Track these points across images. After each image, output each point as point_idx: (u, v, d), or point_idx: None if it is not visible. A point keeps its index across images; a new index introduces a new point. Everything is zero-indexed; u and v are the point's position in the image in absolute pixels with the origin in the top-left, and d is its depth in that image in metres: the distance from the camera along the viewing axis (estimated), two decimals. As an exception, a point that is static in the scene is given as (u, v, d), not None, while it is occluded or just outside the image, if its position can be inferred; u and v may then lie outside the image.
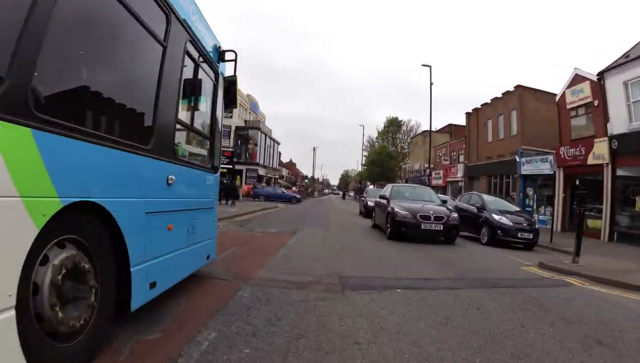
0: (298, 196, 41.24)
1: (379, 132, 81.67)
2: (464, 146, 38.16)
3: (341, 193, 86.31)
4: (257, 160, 51.45)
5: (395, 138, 79.57)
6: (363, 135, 76.27)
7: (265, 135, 56.11)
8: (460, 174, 39.19)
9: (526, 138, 26.63)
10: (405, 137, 78.45)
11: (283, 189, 43.81)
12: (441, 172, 43.64)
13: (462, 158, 39.54)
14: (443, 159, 42.15)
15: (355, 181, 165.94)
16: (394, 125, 79.43)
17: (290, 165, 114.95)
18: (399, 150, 73.86)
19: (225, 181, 30.80)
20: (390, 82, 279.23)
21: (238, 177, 49.60)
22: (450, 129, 55.07)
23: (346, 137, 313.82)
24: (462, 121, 41.20)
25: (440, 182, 43.66)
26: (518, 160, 25.07)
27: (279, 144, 68.33)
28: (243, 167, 49.74)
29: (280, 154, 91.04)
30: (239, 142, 51.57)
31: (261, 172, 52.52)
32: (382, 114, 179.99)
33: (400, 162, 65.92)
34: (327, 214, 26.34)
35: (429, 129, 40.38)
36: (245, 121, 54.02)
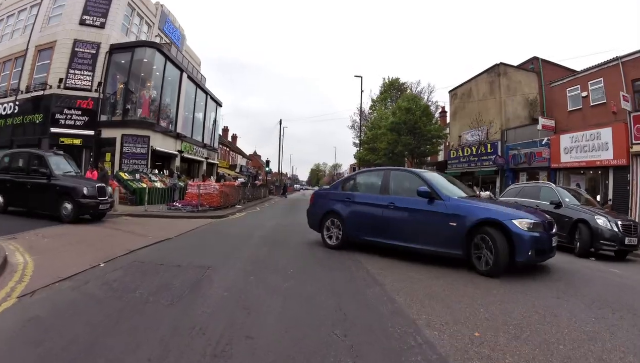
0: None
1: (374, 100, 60.49)
2: None
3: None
4: (154, 119, 28.19)
5: (399, 107, 56.44)
6: (361, 91, 53.59)
7: (181, 70, 32.42)
8: None
9: None
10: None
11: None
12: (603, 133, 21.97)
13: None
14: (622, 98, 19.10)
15: (334, 173, 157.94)
16: (394, 88, 58.59)
17: (254, 157, 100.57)
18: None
19: None
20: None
21: (108, 155, 26.97)
22: (537, 66, 34.95)
23: (313, 132, 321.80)
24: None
25: (605, 156, 21.92)
26: None
27: (220, 105, 45.08)
28: (117, 132, 26.46)
29: (224, 128, 69.39)
30: (117, 81, 28.20)
31: (161, 144, 28.67)
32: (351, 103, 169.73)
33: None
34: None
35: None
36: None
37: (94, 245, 9.52)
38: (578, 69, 28.43)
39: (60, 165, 15.11)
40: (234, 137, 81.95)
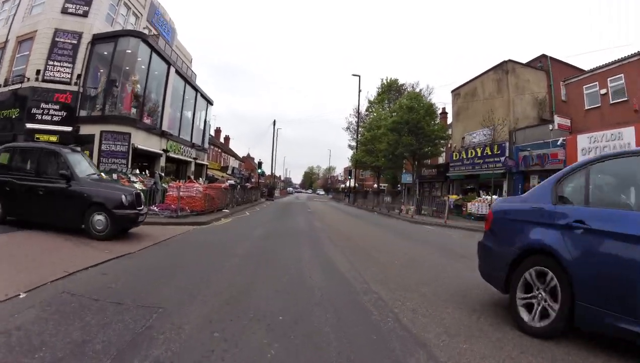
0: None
1: (370, 102, 58.86)
2: None
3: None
4: (136, 115, 25.94)
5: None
6: (359, 90, 52.43)
7: (169, 64, 30.22)
8: None
9: None
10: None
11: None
12: (625, 133, 20.24)
13: None
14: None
15: (328, 176, 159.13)
16: (393, 90, 56.75)
17: (247, 159, 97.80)
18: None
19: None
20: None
21: (86, 153, 24.37)
22: (546, 64, 33.62)
23: (306, 135, 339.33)
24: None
25: None
26: None
27: (211, 103, 42.75)
28: (96, 128, 24.19)
29: (216, 129, 69.48)
30: (98, 73, 26.03)
31: (143, 142, 26.07)
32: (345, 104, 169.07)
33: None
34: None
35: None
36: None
37: (27, 262, 7.34)
38: (585, 67, 27.23)
39: (79, 165, 11.66)
40: (227, 139, 79.61)
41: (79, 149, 13.06)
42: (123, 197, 10.80)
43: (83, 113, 24.92)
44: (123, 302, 5.30)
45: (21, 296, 5.36)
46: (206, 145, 43.70)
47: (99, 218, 10.39)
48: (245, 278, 7.24)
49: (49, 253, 8.33)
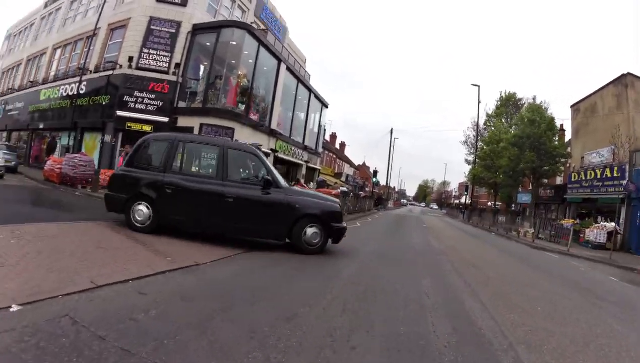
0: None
1: (488, 115, 55.53)
2: None
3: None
4: (242, 110, 24.17)
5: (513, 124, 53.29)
6: (479, 101, 50.01)
7: (279, 60, 28.06)
8: None
9: None
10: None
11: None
12: None
13: None
14: None
15: (442, 190, 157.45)
16: (510, 104, 53.56)
17: (362, 168, 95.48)
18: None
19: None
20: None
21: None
22: None
23: (422, 148, 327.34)
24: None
25: None
26: None
27: (326, 106, 40.10)
28: (195, 121, 22.56)
29: (332, 134, 68.73)
30: (199, 64, 25.27)
31: (249, 139, 21.22)
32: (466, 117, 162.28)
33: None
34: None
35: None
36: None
37: (62, 262, 5.61)
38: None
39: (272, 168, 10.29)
40: (342, 145, 79.08)
41: (262, 145, 11.51)
42: (338, 208, 10.21)
43: (182, 104, 23.89)
44: (136, 350, 3.23)
45: (12, 309, 3.86)
46: (319, 149, 41.86)
47: (314, 230, 9.51)
48: (344, 324, 4.74)
49: (93, 253, 6.52)
